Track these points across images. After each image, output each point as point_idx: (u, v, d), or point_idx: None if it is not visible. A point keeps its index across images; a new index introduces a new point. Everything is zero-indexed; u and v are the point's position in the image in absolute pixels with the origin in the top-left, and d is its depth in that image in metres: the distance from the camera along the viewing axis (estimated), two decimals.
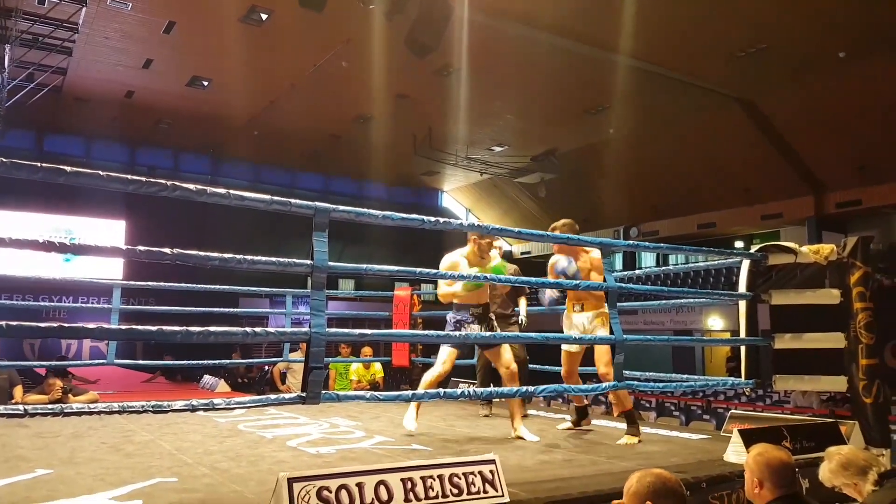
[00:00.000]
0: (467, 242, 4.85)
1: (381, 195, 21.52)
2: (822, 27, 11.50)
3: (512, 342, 5.15)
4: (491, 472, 2.89)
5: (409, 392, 3.74)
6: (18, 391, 6.35)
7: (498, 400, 5.82)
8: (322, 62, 13.32)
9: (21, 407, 2.58)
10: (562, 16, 11.52)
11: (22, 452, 3.85)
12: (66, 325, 2.50)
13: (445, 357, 4.72)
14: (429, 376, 4.70)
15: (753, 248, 5.26)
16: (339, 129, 17.35)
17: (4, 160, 2.49)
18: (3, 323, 2.46)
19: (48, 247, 2.73)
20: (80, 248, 2.68)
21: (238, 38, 11.97)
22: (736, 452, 3.80)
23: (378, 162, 18.42)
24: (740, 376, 5.10)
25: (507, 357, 4.72)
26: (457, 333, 4.52)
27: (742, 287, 4.99)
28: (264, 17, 11.81)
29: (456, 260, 4.76)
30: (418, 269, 3.78)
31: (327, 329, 3.08)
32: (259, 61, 13.09)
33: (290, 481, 2.49)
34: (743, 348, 5.09)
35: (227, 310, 8.19)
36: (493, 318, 4.89)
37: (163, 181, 2.80)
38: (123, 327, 2.89)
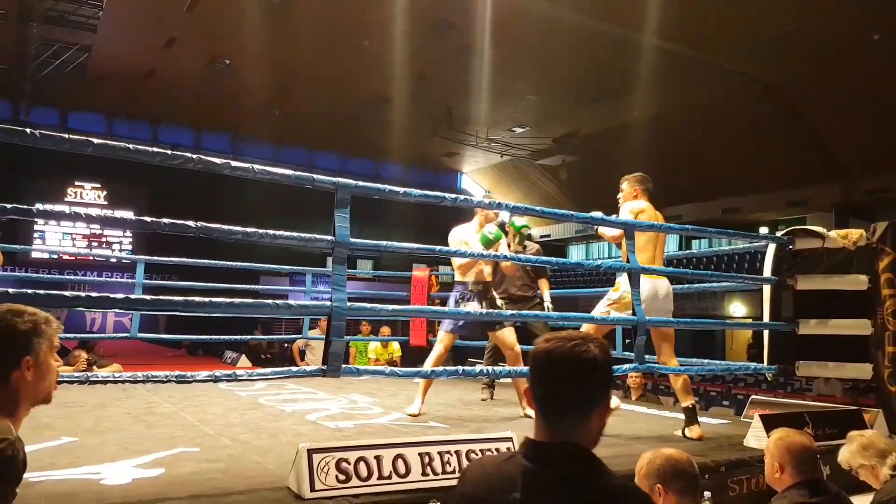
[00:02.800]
0: (474, 216, 4.81)
1: (398, 176, 21.48)
2: (853, 9, 11.22)
3: (532, 321, 5.13)
4: (508, 449, 2.90)
5: (428, 368, 3.75)
6: None
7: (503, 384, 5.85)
8: (342, 41, 13.27)
9: None
10: None
11: (48, 421, 3.92)
12: (95, 295, 2.54)
13: (442, 337, 4.75)
14: (430, 359, 4.74)
15: (779, 233, 5.20)
16: (358, 109, 17.29)
17: (34, 131, 2.52)
18: (32, 291, 2.50)
19: (74, 217, 2.76)
20: (107, 220, 2.71)
21: (259, 16, 11.95)
22: (756, 437, 3.77)
23: (397, 142, 18.36)
24: (762, 362, 5.06)
25: (510, 339, 4.74)
26: (476, 310, 4.50)
27: (767, 271, 4.93)
28: None
29: (465, 237, 4.71)
30: (438, 247, 3.78)
31: (348, 304, 3.10)
32: (279, 40, 13.07)
33: (310, 452, 2.52)
34: (766, 333, 5.05)
35: (248, 286, 8.27)
36: (495, 296, 4.91)
37: (188, 154, 2.82)
38: (149, 298, 2.93)
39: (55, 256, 17.63)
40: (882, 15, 11.37)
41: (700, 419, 5.06)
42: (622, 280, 4.27)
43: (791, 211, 17.81)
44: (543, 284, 5.80)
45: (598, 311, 4.31)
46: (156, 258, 6.85)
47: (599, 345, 1.31)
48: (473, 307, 4.58)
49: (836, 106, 14.15)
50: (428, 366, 4.62)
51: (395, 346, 8.77)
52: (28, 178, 16.48)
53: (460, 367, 4.10)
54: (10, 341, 1.59)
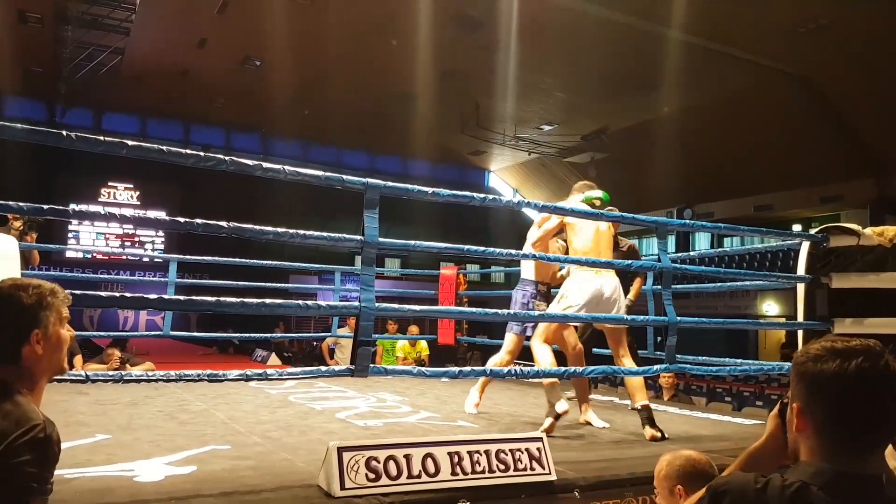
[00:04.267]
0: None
1: (426, 174, 21.49)
2: (888, 1, 10.96)
3: (561, 321, 5.03)
4: (538, 449, 2.88)
5: (456, 369, 3.75)
6: (78, 360, 6.58)
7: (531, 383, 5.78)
8: (370, 40, 13.33)
9: (83, 373, 2.68)
10: None
11: (82, 418, 4.00)
12: (129, 294, 2.58)
13: (510, 345, 4.59)
14: (493, 361, 4.61)
15: (813, 231, 5.10)
16: (386, 107, 17.35)
17: (70, 133, 2.57)
18: (68, 291, 2.55)
19: (109, 218, 2.80)
20: (142, 220, 2.75)
21: (288, 17, 12.05)
22: None
23: (424, 140, 18.38)
24: None
25: (573, 339, 4.60)
26: (533, 312, 4.35)
27: (801, 270, 4.84)
28: None
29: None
30: (466, 246, 3.77)
31: (376, 304, 3.11)
32: (308, 40, 13.17)
33: (340, 450, 2.53)
34: (801, 333, 4.96)
35: (278, 285, 8.36)
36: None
37: (220, 156, 2.85)
38: (183, 298, 2.97)
39: (89, 256, 17.99)
40: None
41: (733, 419, 5.00)
42: (567, 286, 4.33)
43: (825, 208, 17.44)
44: (636, 284, 5.44)
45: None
46: (188, 257, 6.96)
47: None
48: (544, 308, 4.50)
49: (872, 100, 13.83)
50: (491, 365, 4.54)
51: (423, 345, 8.78)
52: (62, 178, 16.83)
53: (487, 368, 4.09)
54: (16, 316, 1.57)
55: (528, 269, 4.72)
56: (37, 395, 1.62)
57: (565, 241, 4.62)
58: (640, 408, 4.08)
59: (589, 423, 4.42)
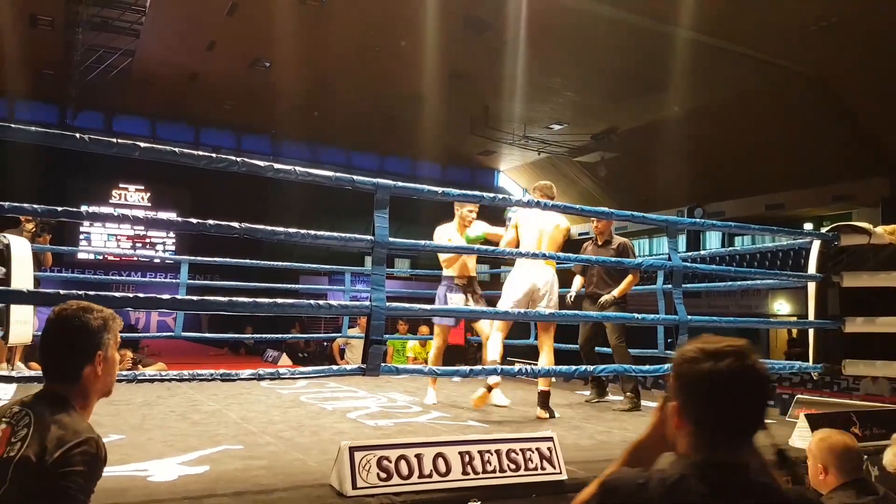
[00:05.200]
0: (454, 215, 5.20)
1: (435, 175, 21.50)
2: None
3: (559, 320, 5.06)
4: (549, 449, 2.89)
5: (467, 368, 3.76)
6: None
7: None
8: (379, 42, 13.35)
9: None
10: None
11: (95, 418, 3.97)
12: (142, 295, 2.60)
13: (439, 333, 5.21)
14: (433, 353, 5.21)
15: (825, 229, 5.08)
16: (395, 109, 17.37)
17: (83, 136, 2.59)
18: (82, 293, 2.57)
19: (121, 219, 2.83)
20: (155, 221, 2.77)
21: (297, 19, 12.07)
22: (802, 437, 3.70)
23: (433, 141, 18.38)
24: (807, 361, 4.95)
25: (485, 328, 5.01)
26: (514, 311, 4.49)
27: (812, 268, 4.83)
28: None
29: (448, 234, 5.10)
30: (476, 246, 3.79)
31: (387, 304, 3.13)
32: (318, 42, 13.20)
33: (352, 450, 2.54)
34: (811, 332, 4.94)
35: (288, 286, 8.39)
36: (478, 289, 5.23)
37: (232, 157, 2.88)
38: (196, 298, 2.99)
39: (100, 257, 18.07)
40: None
41: None
42: (508, 280, 4.80)
43: (836, 206, 17.32)
44: (630, 278, 5.34)
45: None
46: (199, 258, 6.99)
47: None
48: (458, 300, 5.00)
49: (884, 98, 13.72)
50: (430, 360, 5.17)
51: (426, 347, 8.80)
52: (73, 180, 16.92)
53: (499, 367, 4.09)
54: (84, 338, 1.67)
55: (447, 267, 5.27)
56: (87, 413, 1.72)
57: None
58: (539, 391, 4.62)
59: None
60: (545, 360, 4.72)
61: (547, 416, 4.55)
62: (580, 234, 23.14)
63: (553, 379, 4.99)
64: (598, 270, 5.46)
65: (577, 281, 5.81)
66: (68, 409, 1.62)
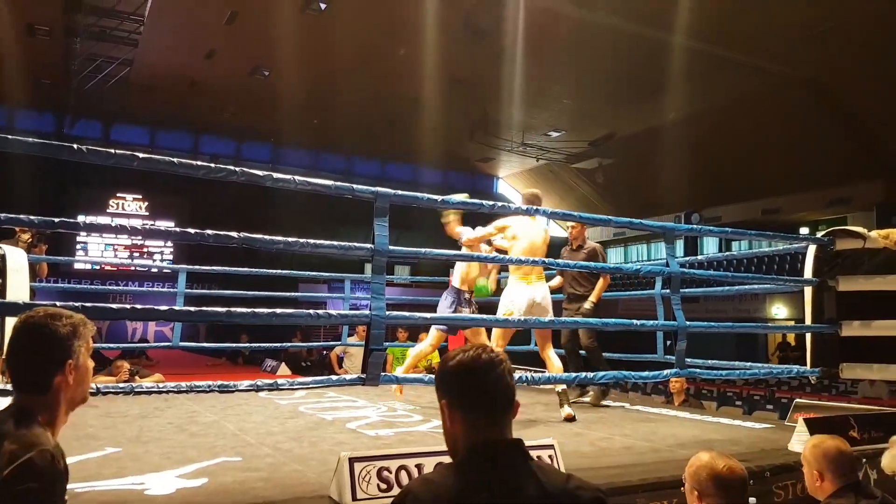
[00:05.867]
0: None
1: (436, 181, 21.55)
2: (893, 3, 10.94)
3: (573, 327, 5.16)
4: (550, 456, 2.88)
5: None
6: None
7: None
8: (379, 49, 13.39)
9: (93, 385, 2.68)
10: None
11: (92, 431, 4.00)
12: (140, 307, 2.59)
13: (433, 340, 5.31)
14: (414, 352, 5.34)
15: (820, 234, 5.09)
16: (395, 115, 17.41)
17: (81, 147, 2.59)
18: (80, 304, 2.57)
19: (119, 230, 2.83)
20: (152, 231, 2.77)
21: (296, 27, 12.10)
22: (801, 441, 3.68)
23: (433, 148, 18.43)
24: (805, 365, 4.95)
25: (482, 339, 5.02)
26: (513, 319, 4.54)
27: (808, 273, 4.83)
28: (323, 6, 11.90)
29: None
30: (475, 254, 3.79)
31: (387, 312, 3.12)
32: (318, 49, 13.23)
33: (352, 461, 2.53)
34: (808, 336, 4.94)
35: (288, 294, 8.38)
36: (474, 302, 5.39)
37: (231, 167, 2.87)
38: (193, 309, 2.98)
39: (97, 267, 18.04)
40: None
41: (744, 424, 4.99)
42: (506, 293, 4.76)
43: (832, 210, 17.38)
44: (602, 281, 5.56)
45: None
46: (197, 267, 6.98)
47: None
48: (466, 312, 5.18)
49: (879, 102, 13.78)
50: (411, 358, 5.42)
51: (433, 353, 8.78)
52: (70, 189, 16.95)
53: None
54: (52, 346, 1.60)
55: (455, 278, 5.41)
56: (57, 425, 1.63)
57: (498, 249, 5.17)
58: (560, 391, 4.70)
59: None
60: (556, 366, 4.81)
61: (572, 413, 4.63)
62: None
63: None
64: (572, 272, 5.74)
65: (556, 280, 6.00)
66: (30, 422, 1.54)
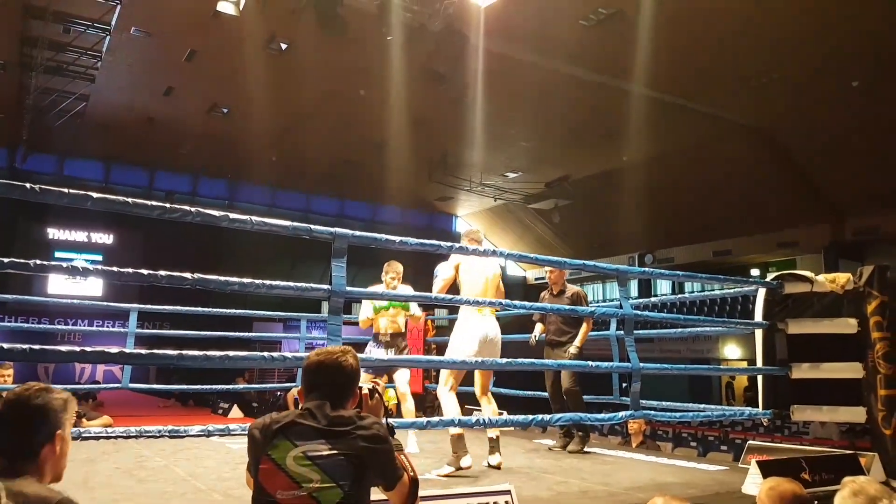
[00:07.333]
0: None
1: (395, 219, 21.60)
2: (832, 58, 11.53)
3: (539, 368, 5.15)
4: (506, 502, 2.87)
5: (424, 419, 3.73)
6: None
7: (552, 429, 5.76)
8: (339, 90, 13.49)
9: None
10: (576, 45, 11.62)
11: None
12: (89, 349, 2.54)
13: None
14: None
15: (770, 277, 5.24)
16: (355, 155, 17.48)
17: (34, 186, 2.55)
18: (27, 347, 2.50)
19: (71, 271, 2.78)
20: (104, 272, 2.72)
21: (258, 66, 12.11)
22: (754, 484, 3.75)
23: (393, 187, 18.51)
24: (758, 406, 5.05)
25: (399, 383, 5.20)
26: (472, 360, 4.52)
27: (758, 316, 4.96)
28: (284, 46, 11.97)
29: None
30: (433, 294, 3.80)
31: None
32: (278, 89, 13.26)
33: None
34: (760, 378, 5.05)
35: (241, 334, 8.23)
36: (400, 345, 5.46)
37: (187, 207, 2.86)
38: (145, 352, 2.93)
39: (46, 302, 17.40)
40: (860, 64, 11.69)
41: (699, 466, 5.05)
42: (458, 327, 4.70)
43: (781, 252, 17.93)
44: (585, 326, 5.50)
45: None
46: (148, 307, 6.81)
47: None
48: (379, 354, 5.28)
49: (824, 148, 14.38)
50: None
51: (390, 394, 8.68)
52: (20, 224, 16.47)
53: (456, 418, 4.07)
54: (47, 417, 1.71)
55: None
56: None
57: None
58: (493, 437, 4.59)
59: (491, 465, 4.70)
60: (491, 409, 4.73)
61: (501, 460, 4.55)
62: (536, 279, 23.41)
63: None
64: (556, 319, 5.64)
65: (538, 328, 5.94)
66: (29, 480, 1.63)
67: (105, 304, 6.73)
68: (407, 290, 5.21)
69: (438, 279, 4.72)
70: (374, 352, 5.34)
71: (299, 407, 2.01)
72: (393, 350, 5.39)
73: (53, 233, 17.32)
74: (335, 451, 1.86)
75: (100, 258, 17.45)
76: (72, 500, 1.61)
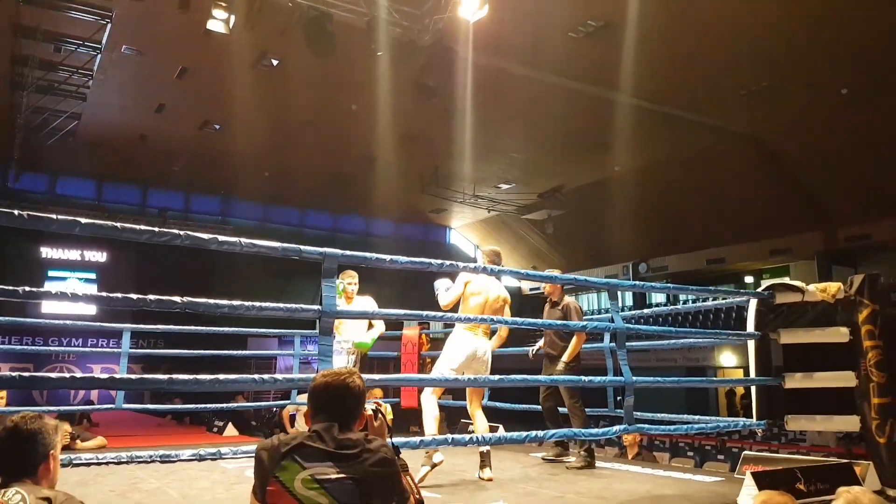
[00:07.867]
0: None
1: (389, 232, 21.61)
2: (826, 63, 11.60)
3: (522, 384, 5.14)
4: None
5: (417, 439, 3.72)
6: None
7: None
8: (331, 105, 13.53)
9: None
10: (565, 57, 11.68)
11: None
12: (79, 376, 2.53)
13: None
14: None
15: (762, 286, 5.25)
16: (348, 169, 17.52)
17: (22, 213, 2.55)
18: (18, 375, 2.49)
19: (62, 297, 2.77)
20: (93, 297, 2.72)
21: (249, 83, 12.14)
22: (749, 496, 3.74)
23: (386, 200, 18.54)
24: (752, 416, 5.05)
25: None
26: (465, 378, 4.53)
27: (751, 326, 4.97)
28: (275, 62, 12.01)
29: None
30: (424, 312, 3.80)
31: None
32: (269, 105, 13.30)
33: None
34: (753, 388, 5.06)
35: (235, 352, 8.20)
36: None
37: (175, 231, 2.87)
38: (135, 377, 2.91)
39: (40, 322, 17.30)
40: (850, 71, 11.77)
41: (694, 477, 5.04)
42: (450, 341, 4.74)
43: (775, 260, 17.99)
44: (575, 340, 5.39)
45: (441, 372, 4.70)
46: (142, 327, 6.78)
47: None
48: (339, 361, 5.17)
49: (816, 155, 14.47)
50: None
51: (387, 409, 8.66)
52: (10, 245, 16.39)
53: (449, 436, 4.06)
54: (45, 439, 2.01)
55: None
56: None
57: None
58: (483, 451, 4.62)
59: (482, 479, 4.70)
60: (483, 425, 4.73)
61: (492, 475, 4.57)
62: (531, 290, 23.42)
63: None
64: (550, 331, 5.60)
65: (541, 341, 5.90)
66: (30, 485, 1.92)
67: (99, 324, 6.68)
68: (368, 301, 5.19)
69: (450, 293, 4.74)
70: (336, 360, 5.17)
71: (306, 428, 2.05)
72: (353, 356, 5.42)
73: (47, 252, 17.25)
74: (343, 475, 1.89)
75: (93, 276, 17.40)
76: (72, 496, 1.89)
